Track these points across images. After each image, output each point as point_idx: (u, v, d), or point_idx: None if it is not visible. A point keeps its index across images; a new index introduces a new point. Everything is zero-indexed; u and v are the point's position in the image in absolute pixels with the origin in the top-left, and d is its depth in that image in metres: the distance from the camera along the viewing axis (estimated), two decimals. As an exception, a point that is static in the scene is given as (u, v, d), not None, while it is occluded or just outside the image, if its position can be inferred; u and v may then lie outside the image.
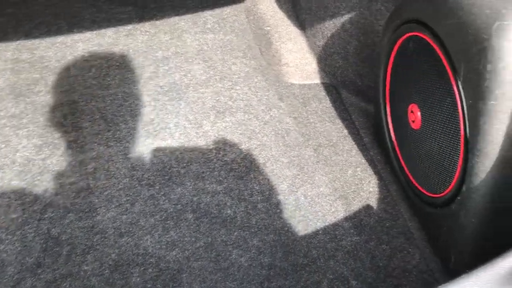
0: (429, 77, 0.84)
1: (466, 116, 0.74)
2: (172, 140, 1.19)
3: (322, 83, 1.33)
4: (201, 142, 1.19)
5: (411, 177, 0.98)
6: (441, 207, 0.87)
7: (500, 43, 0.66)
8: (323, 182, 1.09)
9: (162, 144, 1.18)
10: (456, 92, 0.76)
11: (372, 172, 1.11)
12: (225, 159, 1.15)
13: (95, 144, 1.18)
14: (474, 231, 0.80)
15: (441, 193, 0.87)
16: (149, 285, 0.92)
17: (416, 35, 0.86)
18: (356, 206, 1.05)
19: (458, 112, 0.77)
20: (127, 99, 1.26)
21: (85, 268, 0.95)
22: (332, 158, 1.14)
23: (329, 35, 1.25)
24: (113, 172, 1.13)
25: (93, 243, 0.99)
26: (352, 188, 1.08)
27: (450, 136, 0.81)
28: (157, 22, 1.49)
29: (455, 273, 0.88)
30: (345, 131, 1.21)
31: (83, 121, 1.21)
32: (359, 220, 1.02)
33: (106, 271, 0.94)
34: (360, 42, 1.16)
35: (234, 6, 1.55)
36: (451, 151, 0.81)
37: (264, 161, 1.14)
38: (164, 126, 1.21)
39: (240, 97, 1.29)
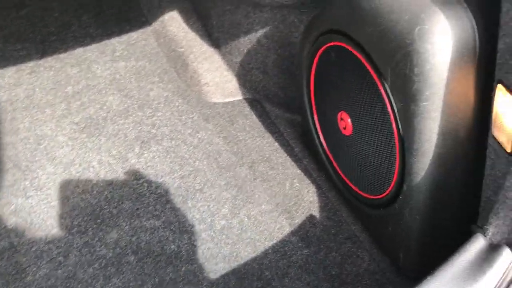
0: (355, 85, 0.86)
1: (398, 118, 0.76)
2: (97, 179, 1.12)
3: (245, 98, 1.32)
4: (129, 177, 1.13)
5: (349, 182, 1.00)
6: (384, 207, 0.89)
7: (423, 46, 0.68)
8: (264, 199, 1.08)
9: (88, 185, 1.10)
10: (385, 97, 0.78)
11: (309, 182, 1.12)
12: (159, 191, 1.10)
13: (12, 196, 1.08)
14: (418, 228, 0.83)
15: (382, 194, 0.89)
16: None
17: (337, 45, 0.88)
18: (299, 218, 1.04)
19: (389, 115, 0.79)
20: (41, 142, 1.16)
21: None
22: (269, 173, 1.13)
23: (245, 51, 1.24)
24: (37, 225, 1.04)
25: (28, 308, 0.90)
26: (292, 201, 1.08)
27: (384, 138, 0.83)
28: (61, 56, 1.40)
29: (405, 270, 0.91)
30: (276, 144, 1.21)
31: (-6, 174, 1.10)
32: (305, 232, 1.02)
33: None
34: (278, 55, 1.17)
35: (141, 31, 1.50)
36: (387, 153, 0.83)
37: (200, 186, 1.10)
38: (87, 165, 1.13)
39: (163, 123, 1.24)
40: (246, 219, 1.04)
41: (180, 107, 1.28)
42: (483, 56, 0.69)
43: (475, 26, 0.68)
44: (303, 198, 1.08)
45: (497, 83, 0.67)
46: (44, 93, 1.30)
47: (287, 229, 1.03)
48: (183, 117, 1.26)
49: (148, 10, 1.52)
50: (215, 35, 1.33)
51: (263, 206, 1.07)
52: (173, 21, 1.44)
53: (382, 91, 0.79)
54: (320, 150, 1.07)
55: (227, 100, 1.32)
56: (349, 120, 0.91)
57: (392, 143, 0.81)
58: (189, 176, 1.12)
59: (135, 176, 1.12)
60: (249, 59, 1.26)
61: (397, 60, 0.72)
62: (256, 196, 1.09)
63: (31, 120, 1.24)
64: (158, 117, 1.25)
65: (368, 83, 0.82)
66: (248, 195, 1.09)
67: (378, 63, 0.77)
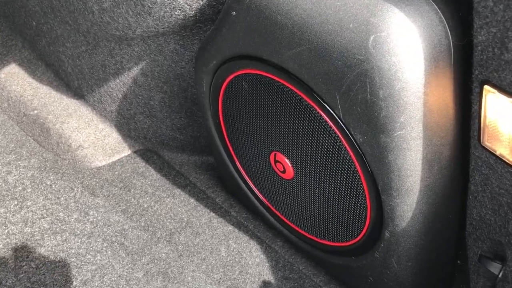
0: (287, 119, 0.66)
1: (363, 154, 0.57)
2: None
3: (135, 152, 1.06)
4: None
5: (300, 230, 0.80)
6: (358, 255, 0.70)
7: (386, 60, 0.49)
8: (200, 280, 0.84)
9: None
10: (337, 130, 0.59)
11: (247, 237, 0.90)
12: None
13: None
14: (411, 274, 0.66)
15: (348, 241, 0.71)
16: None
17: (249, 73, 0.66)
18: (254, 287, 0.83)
19: (347, 152, 0.60)
20: None
21: None
22: (195, 242, 0.90)
23: (120, 96, 0.98)
24: None
25: None
26: (236, 270, 0.86)
27: (344, 180, 0.64)
28: None
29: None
30: (192, 200, 0.97)
31: None
32: (264, 307, 0.81)
33: None
34: (164, 93, 0.93)
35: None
36: (351, 196, 0.64)
37: (113, 286, 0.83)
38: None
39: (38, 214, 0.94)
40: (186, 315, 0.80)
41: (54, 185, 0.99)
42: (459, 57, 0.52)
43: (445, 21, 0.51)
44: (247, 262, 0.87)
45: (482, 85, 0.51)
46: None
47: (242, 311, 0.80)
48: (61, 198, 0.97)
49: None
50: (75, 84, 1.04)
51: (202, 289, 0.83)
52: (13, 78, 1.11)
53: (331, 123, 0.59)
54: (251, 196, 0.86)
55: (112, 160, 1.05)
56: (287, 161, 0.71)
57: (357, 183, 0.62)
58: (92, 280, 0.85)
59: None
60: (128, 105, 1.00)
61: (348, 83, 0.53)
62: (189, 278, 0.85)
63: None
64: (28, 208, 0.95)
65: (307, 115, 0.62)
66: (178, 281, 0.84)
67: (318, 90, 0.57)
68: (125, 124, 1.04)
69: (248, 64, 0.65)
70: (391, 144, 0.54)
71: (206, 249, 0.89)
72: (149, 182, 1.00)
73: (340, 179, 0.64)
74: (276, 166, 0.74)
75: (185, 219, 0.93)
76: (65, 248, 0.89)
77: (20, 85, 1.10)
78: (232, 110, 0.76)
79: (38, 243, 0.89)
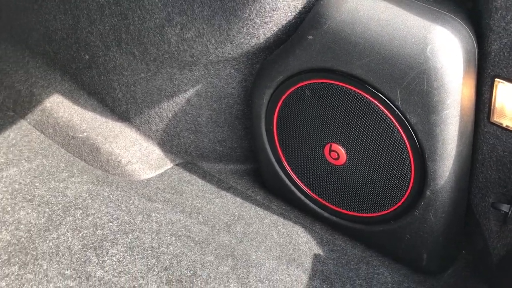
0: (347, 114, 0.89)
1: (413, 132, 0.82)
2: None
3: (176, 164, 1.23)
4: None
5: (341, 209, 1.02)
6: (397, 218, 0.94)
7: (439, 62, 0.75)
8: (263, 258, 1.02)
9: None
10: (392, 116, 0.83)
11: (292, 223, 1.10)
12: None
13: None
14: (444, 225, 0.90)
15: (390, 208, 0.94)
16: None
17: (315, 82, 0.89)
18: (307, 262, 1.02)
19: (399, 131, 0.84)
20: None
21: None
22: (250, 230, 1.08)
23: (169, 116, 1.16)
24: None
25: None
26: (290, 248, 1.05)
27: (393, 155, 0.88)
28: None
29: (429, 268, 0.97)
30: (237, 198, 1.15)
31: None
32: (320, 272, 1.01)
33: None
34: (213, 110, 1.12)
35: (16, 127, 1.27)
36: (398, 168, 0.88)
37: (191, 271, 0.99)
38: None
39: (105, 219, 1.07)
40: (260, 284, 0.97)
41: (111, 196, 1.12)
42: (480, 58, 0.80)
43: (472, 36, 0.78)
44: (297, 241, 1.06)
45: (494, 78, 0.78)
46: None
47: (304, 277, 0.99)
48: (122, 205, 1.11)
49: (13, 103, 1.29)
50: (123, 108, 1.21)
51: (266, 265, 1.01)
52: (59, 106, 1.25)
53: (387, 112, 0.83)
54: (293, 189, 1.07)
55: (158, 172, 1.21)
56: (342, 149, 0.93)
57: (405, 156, 0.86)
58: (172, 265, 1.00)
59: (111, 289, 0.94)
60: (175, 123, 1.18)
61: (409, 80, 0.78)
62: (253, 257, 1.02)
63: None
64: (94, 215, 1.08)
65: (365, 108, 0.86)
66: (245, 260, 1.02)
67: (381, 88, 0.81)
68: (168, 141, 1.21)
69: (315, 75, 0.89)
70: (439, 120, 0.79)
71: (260, 234, 1.07)
72: (196, 188, 1.18)
73: (390, 156, 0.88)
74: (330, 155, 0.96)
75: (236, 213, 1.11)
76: (139, 243, 1.03)
77: (67, 111, 1.23)
78: (289, 116, 0.98)
79: (113, 242, 1.02)
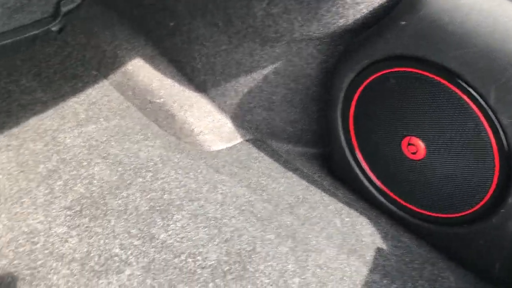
0: (432, 108, 0.84)
1: (505, 134, 0.76)
2: (131, 268, 0.93)
3: (246, 140, 1.23)
4: (167, 256, 0.96)
5: (412, 206, 0.98)
6: (470, 223, 0.88)
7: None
8: (323, 244, 1.00)
9: (121, 278, 0.91)
10: (481, 114, 0.78)
11: (357, 214, 1.07)
12: (209, 263, 0.96)
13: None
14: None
15: (465, 211, 0.89)
16: None
17: (400, 70, 0.85)
18: (369, 254, 0.99)
19: (486, 131, 0.79)
20: (35, 239, 0.94)
21: None
22: (313, 215, 1.06)
23: (245, 91, 1.15)
24: None
25: None
26: (353, 238, 1.02)
27: (477, 155, 0.82)
28: (14, 131, 1.16)
29: (501, 280, 0.92)
30: (303, 181, 1.14)
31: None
32: (382, 267, 0.98)
33: None
34: (289, 89, 1.11)
35: (98, 86, 1.31)
36: (481, 169, 0.83)
37: (251, 247, 0.99)
38: (108, 255, 0.95)
39: (173, 185, 1.09)
40: (318, 270, 0.96)
41: (181, 163, 1.14)
42: None
43: None
44: (361, 232, 1.03)
45: None
46: (12, 179, 1.05)
47: (364, 270, 0.97)
48: (191, 173, 1.12)
49: (98, 63, 1.34)
50: (201, 79, 1.22)
51: (326, 251, 0.99)
52: (140, 70, 1.28)
53: (476, 109, 0.78)
54: (364, 180, 1.04)
55: (228, 145, 1.22)
56: (421, 143, 0.89)
57: (489, 159, 0.81)
58: (233, 238, 1.00)
59: (173, 253, 0.96)
60: (250, 99, 1.17)
61: (508, 77, 0.72)
62: (313, 242, 1.01)
63: (8, 216, 0.99)
64: (163, 179, 1.10)
65: (454, 104, 0.81)
66: (305, 243, 1.00)
67: (474, 83, 0.76)
68: (241, 116, 1.21)
69: (403, 63, 0.84)
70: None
71: (323, 220, 1.05)
72: (263, 165, 1.17)
73: (473, 157, 0.83)
74: (407, 149, 0.92)
75: (301, 196, 1.10)
76: (203, 212, 1.04)
77: (147, 76, 1.26)
78: (369, 103, 0.95)
79: (179, 208, 1.04)
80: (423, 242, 1.02)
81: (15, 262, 0.90)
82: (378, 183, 1.02)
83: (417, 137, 0.90)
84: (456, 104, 0.81)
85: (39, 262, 0.91)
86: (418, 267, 0.98)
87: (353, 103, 0.97)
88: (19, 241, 0.93)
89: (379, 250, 1.00)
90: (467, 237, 0.91)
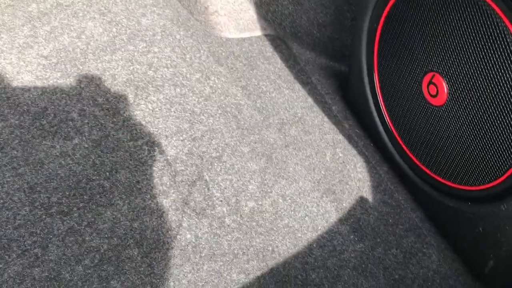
0: (472, 43, 0.61)
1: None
2: (80, 137, 0.84)
3: (265, 35, 1.04)
4: (123, 136, 0.85)
5: (423, 166, 0.78)
6: (483, 202, 0.68)
7: None
8: (300, 174, 0.85)
9: (67, 146, 0.82)
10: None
11: (355, 152, 0.89)
12: (164, 157, 0.84)
13: (-38, 159, 0.79)
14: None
15: (481, 185, 0.68)
16: None
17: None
18: (347, 201, 0.83)
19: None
20: None
21: None
22: (303, 139, 0.89)
23: (274, -28, 0.95)
24: (1, 201, 0.77)
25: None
26: (337, 178, 0.85)
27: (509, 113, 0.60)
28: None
29: (488, 282, 0.72)
30: (309, 99, 0.96)
31: None
32: (356, 220, 0.81)
33: None
34: (322, -18, 0.89)
35: None
36: (509, 133, 0.61)
37: (218, 153, 0.85)
38: (64, 116, 0.85)
39: (162, 63, 0.95)
40: (280, 200, 0.81)
41: (182, 41, 0.99)
42: None
43: None
44: (349, 174, 0.86)
45: None
46: (-2, 12, 0.97)
47: (333, 216, 0.81)
48: (187, 55, 0.97)
49: None
50: (230, -51, 1.02)
51: (300, 183, 0.84)
52: None
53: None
54: (378, 121, 0.84)
55: (242, 35, 1.04)
56: (444, 85, 0.67)
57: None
58: (202, 138, 0.87)
59: (131, 135, 0.85)
60: (278, -15, 0.97)
61: None
62: (290, 169, 0.85)
63: None
64: (155, 54, 0.96)
65: (502, 42, 0.57)
66: (280, 168, 0.85)
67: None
68: (265, 5, 1.02)
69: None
70: None
71: (312, 148, 0.89)
72: (272, 69, 1.00)
73: (509, 107, 0.60)
74: (428, 89, 0.70)
75: (299, 114, 0.93)
76: (181, 102, 0.91)
77: None
78: (399, 18, 0.72)
79: (157, 89, 0.92)
80: (420, 208, 0.84)
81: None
82: (391, 127, 0.82)
83: (440, 75, 0.67)
84: (497, 33, 0.57)
85: (-10, 104, 0.84)
86: (400, 233, 0.81)
87: (383, 16, 0.75)
88: (-22, 76, 0.86)
89: (361, 200, 0.83)
90: (472, 217, 0.71)
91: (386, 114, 0.82)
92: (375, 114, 0.84)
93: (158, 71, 0.94)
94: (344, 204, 0.82)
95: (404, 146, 0.81)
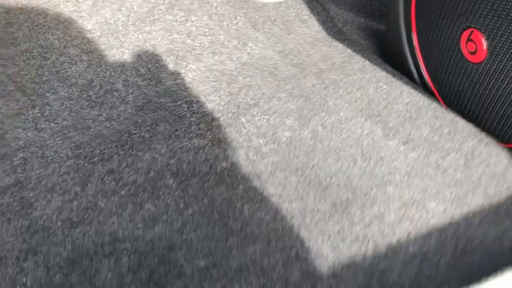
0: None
1: None
2: (125, 106, 0.87)
3: None
4: (164, 100, 0.87)
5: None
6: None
7: None
8: (341, 107, 0.80)
9: (112, 112, 0.86)
10: None
11: (400, 83, 0.83)
12: (202, 110, 0.84)
13: (20, 130, 0.85)
14: None
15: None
16: (128, 279, 0.58)
17: None
18: (395, 122, 0.76)
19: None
20: (48, 55, 0.93)
21: (24, 280, 0.60)
22: (343, 80, 0.86)
23: None
24: (50, 158, 0.80)
25: (32, 245, 0.64)
26: (381, 105, 0.79)
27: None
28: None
29: None
30: (348, 50, 0.93)
31: (-8, 97, 0.88)
32: (406, 134, 0.73)
33: (57, 276, 0.59)
34: None
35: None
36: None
37: (254, 101, 0.84)
38: (109, 87, 0.89)
39: (201, 31, 0.98)
40: (320, 128, 0.77)
41: (219, 8, 1.03)
42: None
43: None
44: (395, 100, 0.80)
45: None
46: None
47: (379, 133, 0.74)
48: (224, 23, 1.01)
49: None
50: None
51: (341, 114, 0.79)
52: None
53: None
54: (416, 76, 0.79)
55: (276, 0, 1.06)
56: (484, 41, 0.63)
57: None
58: (239, 93, 0.87)
59: (172, 98, 0.87)
60: None
61: None
62: (330, 103, 0.81)
63: (30, 26, 1.00)
64: (193, 22, 1.00)
65: None
66: (319, 104, 0.81)
67: None
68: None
69: None
70: None
71: (353, 86, 0.85)
72: (309, 32, 1.00)
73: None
74: (466, 47, 0.67)
75: (338, 63, 0.91)
76: (220, 67, 0.93)
77: None
78: None
79: (197, 58, 0.94)
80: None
81: (22, 72, 0.91)
82: (428, 81, 0.78)
83: (479, 31, 0.64)
84: None
85: (44, 78, 0.90)
86: (457, 139, 0.72)
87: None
88: (33, 53, 0.94)
89: (410, 119, 0.76)
90: None
91: (426, 73, 0.78)
92: (415, 73, 0.80)
93: (197, 39, 0.97)
94: (391, 124, 0.75)
95: (441, 101, 0.75)
